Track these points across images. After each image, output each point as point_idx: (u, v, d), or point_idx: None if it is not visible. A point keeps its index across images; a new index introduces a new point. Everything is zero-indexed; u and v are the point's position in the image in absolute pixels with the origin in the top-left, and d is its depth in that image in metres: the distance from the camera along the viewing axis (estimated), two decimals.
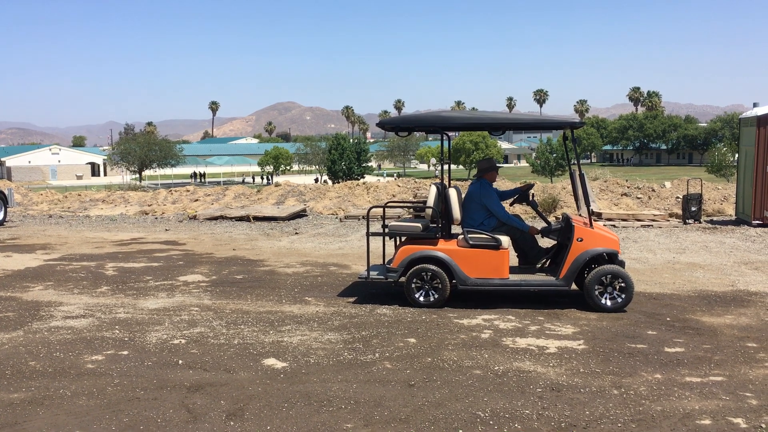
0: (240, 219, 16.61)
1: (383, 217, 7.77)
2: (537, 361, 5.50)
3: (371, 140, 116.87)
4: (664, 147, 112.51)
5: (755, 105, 15.47)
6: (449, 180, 8.60)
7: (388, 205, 9.15)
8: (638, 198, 18.10)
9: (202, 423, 4.32)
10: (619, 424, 4.24)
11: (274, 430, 4.21)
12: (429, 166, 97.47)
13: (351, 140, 71.59)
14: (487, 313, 7.06)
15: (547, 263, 7.71)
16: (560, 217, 8.80)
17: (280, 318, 6.96)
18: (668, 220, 15.14)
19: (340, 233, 14.04)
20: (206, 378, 5.15)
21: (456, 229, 7.58)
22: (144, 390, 4.91)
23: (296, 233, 14.15)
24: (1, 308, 7.52)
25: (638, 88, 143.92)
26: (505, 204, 7.83)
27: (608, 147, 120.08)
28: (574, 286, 7.47)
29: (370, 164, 73.26)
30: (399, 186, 20.99)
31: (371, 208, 8.22)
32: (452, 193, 7.37)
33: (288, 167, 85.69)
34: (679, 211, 15.93)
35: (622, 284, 7.01)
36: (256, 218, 16.50)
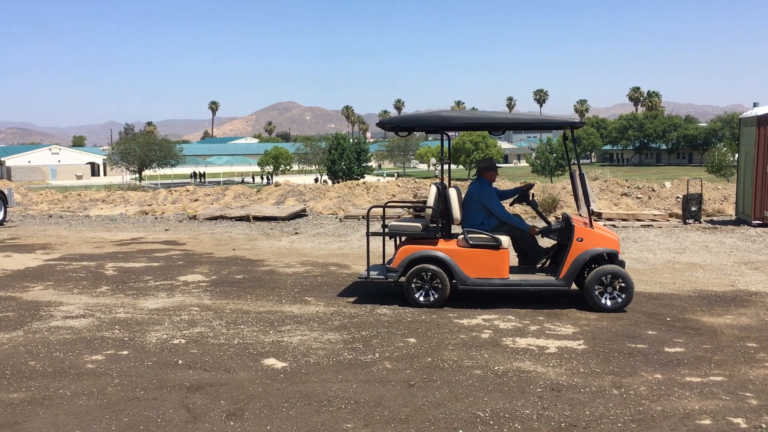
0: (240, 219, 16.61)
1: (383, 217, 7.77)
2: (537, 361, 5.50)
3: (371, 140, 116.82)
4: (664, 147, 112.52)
5: (755, 105, 15.46)
6: (449, 180, 8.59)
7: (388, 205, 9.14)
8: (638, 198, 18.10)
9: (202, 423, 4.32)
10: (619, 424, 4.23)
11: (274, 430, 4.20)
12: (429, 166, 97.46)
13: (351, 140, 71.60)
14: (487, 313, 7.06)
15: (547, 263, 7.70)
16: (560, 217, 8.80)
17: (280, 318, 6.95)
18: (668, 220, 15.14)
19: (340, 233, 14.04)
20: (206, 378, 5.15)
21: (456, 229, 7.58)
22: (144, 390, 4.91)
23: (296, 233, 14.15)
24: (1, 308, 7.52)
25: (638, 88, 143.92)
26: (505, 204, 7.83)
27: (608, 147, 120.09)
28: (574, 286, 7.47)
29: (370, 164, 73.27)
30: (399, 186, 20.99)
31: (371, 208, 8.21)
32: (452, 193, 7.37)
33: (288, 167, 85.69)
34: (679, 211, 15.93)
35: (622, 284, 7.01)
36: (256, 218, 16.50)
